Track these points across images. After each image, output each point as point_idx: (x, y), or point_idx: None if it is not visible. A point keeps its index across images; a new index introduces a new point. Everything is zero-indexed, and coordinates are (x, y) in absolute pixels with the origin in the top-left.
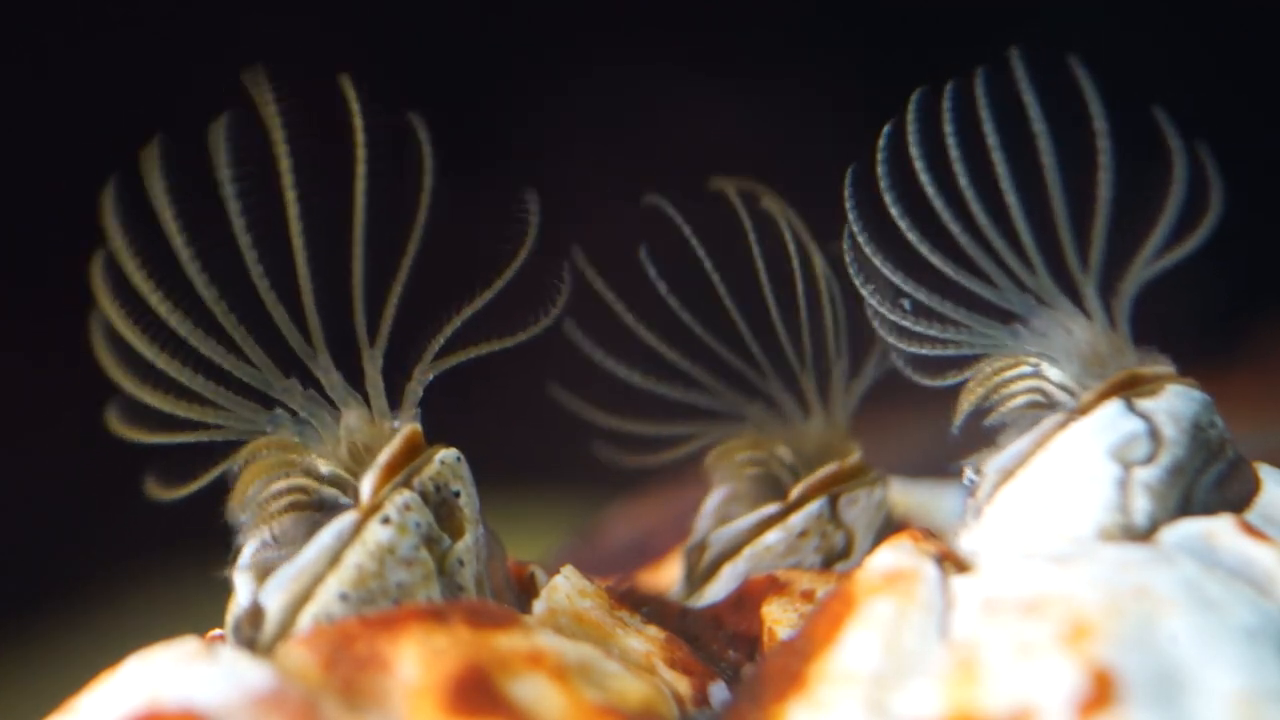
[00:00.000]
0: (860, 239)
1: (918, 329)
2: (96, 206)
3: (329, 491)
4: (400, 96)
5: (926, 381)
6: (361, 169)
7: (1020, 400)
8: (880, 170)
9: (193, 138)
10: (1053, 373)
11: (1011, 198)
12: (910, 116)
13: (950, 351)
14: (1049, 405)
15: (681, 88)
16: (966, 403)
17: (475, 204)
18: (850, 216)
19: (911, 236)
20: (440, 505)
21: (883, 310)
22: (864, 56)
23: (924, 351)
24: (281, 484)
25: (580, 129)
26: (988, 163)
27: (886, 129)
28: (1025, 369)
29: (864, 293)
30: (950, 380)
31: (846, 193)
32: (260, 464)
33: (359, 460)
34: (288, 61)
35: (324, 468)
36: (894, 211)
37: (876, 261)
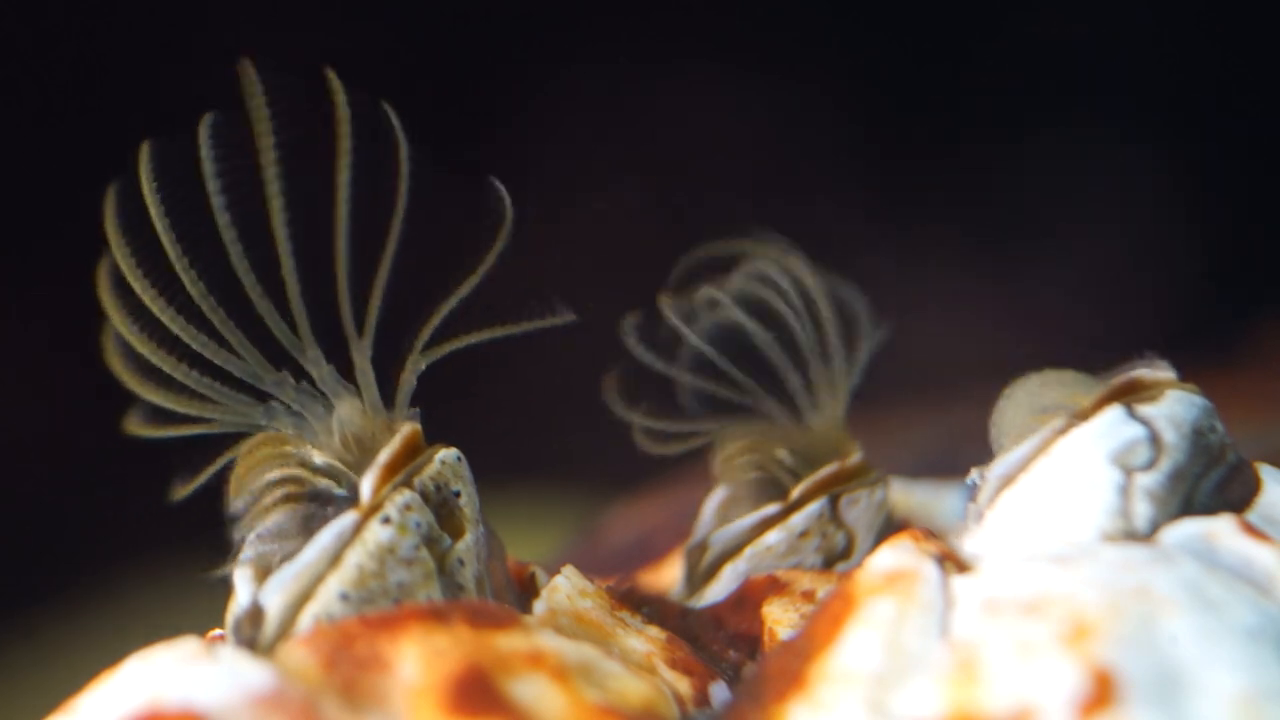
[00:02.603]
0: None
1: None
2: (96, 206)
3: (323, 483)
4: (392, 87)
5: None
6: (344, 160)
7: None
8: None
9: (185, 133)
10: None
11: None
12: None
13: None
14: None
15: (678, 78)
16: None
17: (468, 194)
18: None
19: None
20: (440, 505)
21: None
22: (865, 51)
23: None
24: (275, 474)
25: (576, 120)
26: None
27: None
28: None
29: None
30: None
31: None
32: (254, 456)
33: (353, 451)
34: (279, 50)
35: (318, 459)
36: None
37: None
